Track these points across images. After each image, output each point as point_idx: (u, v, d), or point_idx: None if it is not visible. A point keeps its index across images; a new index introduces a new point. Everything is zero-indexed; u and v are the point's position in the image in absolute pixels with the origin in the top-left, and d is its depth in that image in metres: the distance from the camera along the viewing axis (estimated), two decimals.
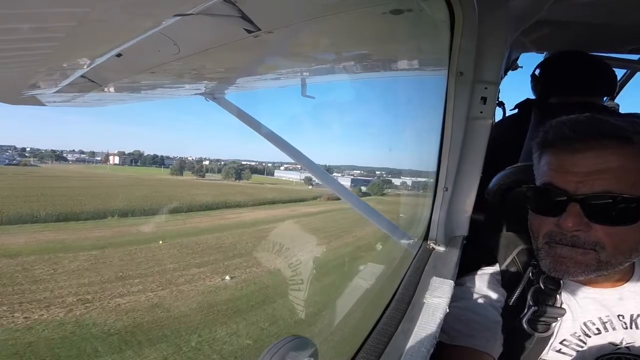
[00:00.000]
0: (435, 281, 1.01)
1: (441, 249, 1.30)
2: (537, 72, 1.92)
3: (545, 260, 0.94)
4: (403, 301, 0.99)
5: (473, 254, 1.18)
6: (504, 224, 1.28)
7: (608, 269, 0.89)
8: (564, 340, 1.01)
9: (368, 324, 0.92)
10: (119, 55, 1.18)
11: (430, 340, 0.81)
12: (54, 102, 1.68)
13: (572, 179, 0.87)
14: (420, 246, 1.32)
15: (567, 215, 0.86)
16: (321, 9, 1.08)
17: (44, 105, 1.64)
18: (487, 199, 1.34)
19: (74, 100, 1.72)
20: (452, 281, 1.01)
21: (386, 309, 0.97)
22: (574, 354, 1.00)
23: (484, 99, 1.14)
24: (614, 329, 0.98)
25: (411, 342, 0.80)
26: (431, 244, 1.32)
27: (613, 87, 1.87)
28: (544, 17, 1.56)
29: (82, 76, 1.39)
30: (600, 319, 0.99)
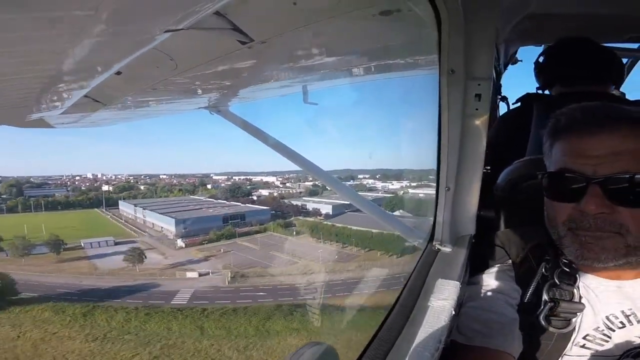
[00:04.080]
0: (441, 283, 0.99)
1: (447, 249, 1.27)
2: (540, 59, 1.85)
3: (571, 248, 0.90)
4: (407, 305, 0.96)
5: (485, 252, 1.15)
6: (515, 219, 1.25)
7: (637, 253, 0.85)
8: (587, 335, 0.96)
9: (370, 330, 0.91)
10: (118, 73, 1.22)
11: (434, 343, 0.78)
12: (62, 123, 1.73)
13: (589, 162, 0.85)
14: (425, 248, 1.29)
15: (589, 198, 0.83)
16: (311, 15, 1.09)
17: (52, 127, 1.70)
18: (495, 195, 1.31)
19: (81, 121, 1.77)
20: (459, 282, 0.99)
21: (389, 314, 0.95)
22: (600, 349, 0.96)
23: (478, 96, 1.12)
24: (639, 321, 0.94)
25: (414, 346, 0.78)
26: (437, 245, 1.29)
27: (621, 75, 1.82)
28: (536, 10, 1.53)
29: (85, 96, 1.44)
30: (623, 312, 0.94)
